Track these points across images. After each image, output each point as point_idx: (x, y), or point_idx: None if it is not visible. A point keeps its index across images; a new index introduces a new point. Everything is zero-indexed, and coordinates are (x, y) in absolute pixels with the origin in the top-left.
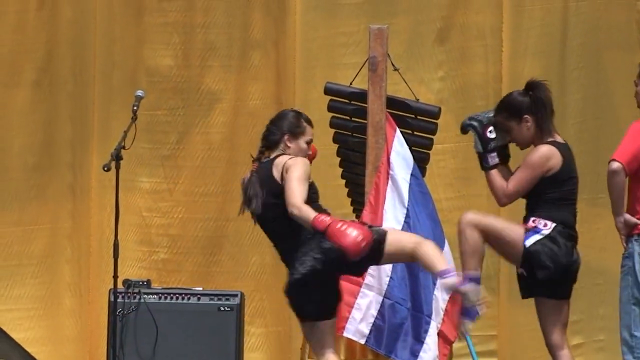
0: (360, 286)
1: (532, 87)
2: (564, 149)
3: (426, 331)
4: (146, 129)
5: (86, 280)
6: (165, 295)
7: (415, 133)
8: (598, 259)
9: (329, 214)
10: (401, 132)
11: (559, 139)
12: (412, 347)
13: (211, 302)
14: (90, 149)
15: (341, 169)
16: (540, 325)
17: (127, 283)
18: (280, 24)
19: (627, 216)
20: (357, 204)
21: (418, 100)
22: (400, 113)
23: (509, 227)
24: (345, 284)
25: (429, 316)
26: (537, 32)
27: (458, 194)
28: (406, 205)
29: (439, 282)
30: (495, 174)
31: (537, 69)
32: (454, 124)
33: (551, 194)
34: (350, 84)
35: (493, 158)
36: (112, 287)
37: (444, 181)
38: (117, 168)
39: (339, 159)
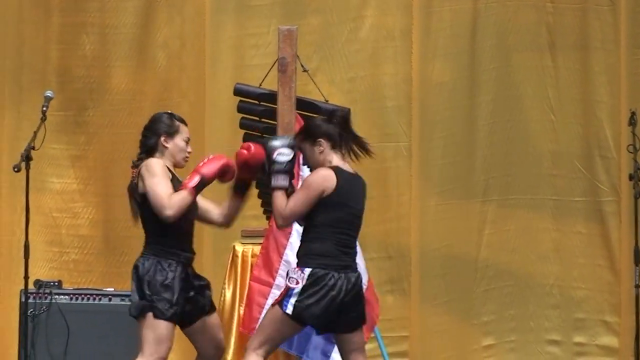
0: (271, 287)
1: (334, 115)
2: (345, 175)
3: None
4: (56, 129)
5: None
6: (77, 296)
7: None
8: (508, 261)
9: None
10: None
11: (346, 167)
12: (323, 347)
13: (122, 302)
14: (0, 150)
15: None
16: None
17: (38, 284)
18: (190, 25)
19: None
20: (268, 205)
21: (327, 101)
22: (310, 114)
23: (268, 318)
24: (255, 285)
25: None
26: (446, 34)
27: (368, 195)
28: None
29: None
30: (278, 195)
31: (446, 71)
32: (364, 125)
33: (319, 218)
34: (260, 85)
35: (277, 179)
36: (23, 287)
37: None
38: (27, 169)
39: None
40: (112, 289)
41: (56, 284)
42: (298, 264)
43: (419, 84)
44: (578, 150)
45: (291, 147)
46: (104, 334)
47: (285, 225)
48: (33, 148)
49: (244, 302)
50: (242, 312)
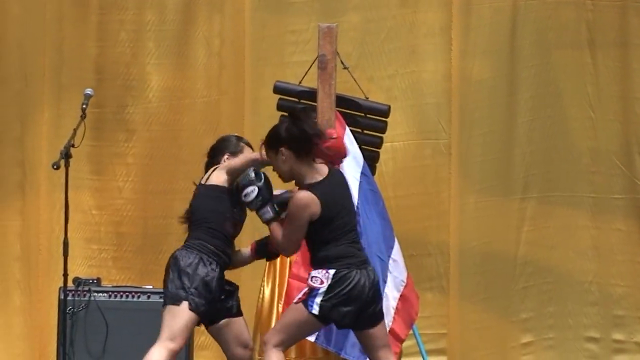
0: None
1: (293, 119)
2: (323, 189)
3: None
4: (95, 126)
5: (36, 278)
6: (115, 293)
7: (365, 131)
8: (547, 258)
9: None
10: (351, 130)
11: (317, 177)
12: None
13: (161, 300)
14: (39, 147)
15: None
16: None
17: (77, 281)
18: (230, 22)
19: None
20: None
21: (367, 98)
22: (350, 111)
23: (291, 317)
24: (294, 282)
25: None
26: (486, 31)
27: (407, 192)
28: (356, 203)
29: (389, 279)
30: (272, 228)
31: (486, 68)
32: (403, 123)
33: (322, 235)
34: (300, 82)
35: (262, 216)
36: (62, 285)
37: (393, 179)
38: (67, 166)
39: None
40: (151, 287)
41: (95, 281)
42: (320, 265)
43: (458, 81)
44: (617, 147)
45: (251, 180)
46: (142, 332)
47: (290, 254)
48: (73, 145)
49: (283, 299)
50: (281, 309)
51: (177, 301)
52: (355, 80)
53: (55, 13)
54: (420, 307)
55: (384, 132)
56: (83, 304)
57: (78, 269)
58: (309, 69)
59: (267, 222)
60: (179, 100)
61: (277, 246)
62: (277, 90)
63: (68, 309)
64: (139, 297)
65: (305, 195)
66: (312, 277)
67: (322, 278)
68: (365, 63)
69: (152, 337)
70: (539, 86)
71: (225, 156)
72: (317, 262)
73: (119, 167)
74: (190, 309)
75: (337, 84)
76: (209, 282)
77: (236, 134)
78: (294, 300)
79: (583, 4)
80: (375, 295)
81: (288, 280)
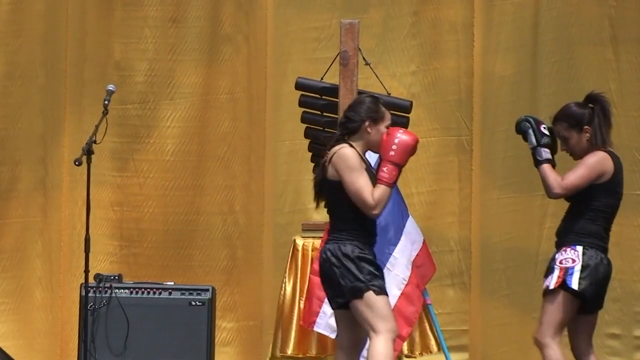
0: None
1: (593, 100)
2: (617, 161)
3: None
4: (117, 123)
5: (57, 275)
6: (137, 289)
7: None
8: None
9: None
10: None
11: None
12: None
13: (182, 296)
14: (61, 143)
15: (312, 164)
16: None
17: (99, 277)
18: (252, 18)
19: None
20: None
21: (389, 94)
22: None
23: (553, 304)
24: (316, 279)
25: None
26: (508, 27)
27: (430, 189)
28: None
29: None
30: (549, 167)
31: (508, 64)
32: (425, 118)
33: (597, 203)
34: (322, 78)
35: (547, 152)
36: (84, 281)
37: (415, 175)
38: (89, 162)
39: (310, 154)
40: (172, 283)
41: (116, 277)
42: (567, 242)
43: (480, 78)
44: (639, 143)
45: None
46: (163, 328)
47: (559, 196)
48: (94, 142)
49: (304, 295)
50: (302, 305)
51: (358, 294)
52: (377, 77)
53: (78, 9)
54: (442, 303)
55: (405, 128)
56: (104, 301)
57: (99, 266)
58: (330, 65)
59: (544, 162)
60: (202, 96)
61: (553, 184)
62: (299, 86)
63: (89, 305)
64: (160, 293)
65: (605, 155)
66: (563, 258)
67: (573, 257)
68: (388, 59)
69: (173, 334)
70: (562, 82)
71: (366, 123)
72: (571, 231)
73: (141, 164)
74: (377, 295)
75: (359, 80)
76: (372, 261)
77: (371, 94)
78: (547, 288)
79: (605, 0)
80: (605, 284)
81: (309, 277)
